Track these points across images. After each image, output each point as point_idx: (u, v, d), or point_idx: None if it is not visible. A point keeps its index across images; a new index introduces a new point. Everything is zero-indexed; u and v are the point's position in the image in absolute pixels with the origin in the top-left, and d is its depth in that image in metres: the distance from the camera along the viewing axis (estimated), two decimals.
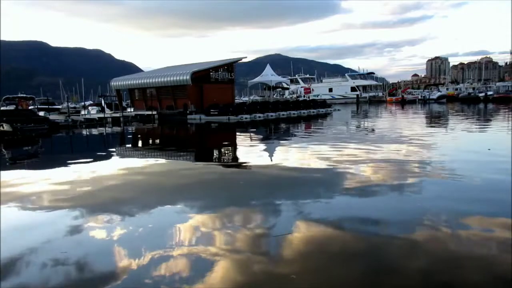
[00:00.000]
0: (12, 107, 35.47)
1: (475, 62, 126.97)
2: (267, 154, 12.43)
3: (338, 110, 41.21)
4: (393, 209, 5.63)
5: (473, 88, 64.00)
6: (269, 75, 39.99)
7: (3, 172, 10.21)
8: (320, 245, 4.40)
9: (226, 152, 13.86)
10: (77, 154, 14.79)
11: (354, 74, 75.54)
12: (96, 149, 16.34)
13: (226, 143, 17.24)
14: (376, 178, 7.65)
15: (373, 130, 19.38)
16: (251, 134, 19.94)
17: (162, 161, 11.70)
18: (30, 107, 36.65)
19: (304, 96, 55.68)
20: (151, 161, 11.63)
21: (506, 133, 15.59)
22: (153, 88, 37.36)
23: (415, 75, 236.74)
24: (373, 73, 77.70)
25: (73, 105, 48.78)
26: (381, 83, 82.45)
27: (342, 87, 70.05)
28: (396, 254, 4.09)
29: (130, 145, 17.84)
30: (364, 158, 10.06)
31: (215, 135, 21.46)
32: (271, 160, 11.03)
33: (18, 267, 3.97)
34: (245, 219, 5.35)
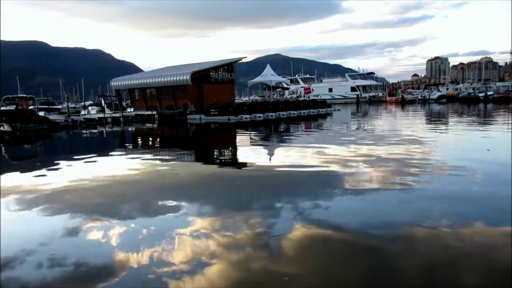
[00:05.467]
0: (12, 107, 35.51)
1: (475, 62, 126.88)
2: (266, 154, 12.46)
3: (338, 110, 41.20)
4: (392, 206, 5.67)
5: (473, 88, 63.93)
6: (269, 75, 39.99)
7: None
8: (317, 242, 4.42)
9: (226, 152, 13.89)
10: (76, 154, 14.77)
11: (354, 74, 75.39)
12: (96, 150, 16.34)
13: (226, 143, 17.26)
14: (377, 177, 7.67)
15: (373, 130, 19.39)
16: (251, 134, 19.95)
17: (161, 161, 11.70)
18: (30, 107, 36.67)
19: (304, 96, 55.64)
20: (150, 161, 11.64)
21: (506, 133, 15.59)
22: (153, 88, 37.38)
23: (415, 75, 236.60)
24: (373, 73, 77.56)
25: (73, 105, 48.76)
26: (381, 83, 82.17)
27: (342, 87, 69.95)
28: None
29: (130, 146, 17.85)
30: (365, 157, 10.08)
31: (215, 135, 21.47)
32: (270, 160, 11.06)
33: (17, 267, 4.00)
34: (243, 218, 5.37)
